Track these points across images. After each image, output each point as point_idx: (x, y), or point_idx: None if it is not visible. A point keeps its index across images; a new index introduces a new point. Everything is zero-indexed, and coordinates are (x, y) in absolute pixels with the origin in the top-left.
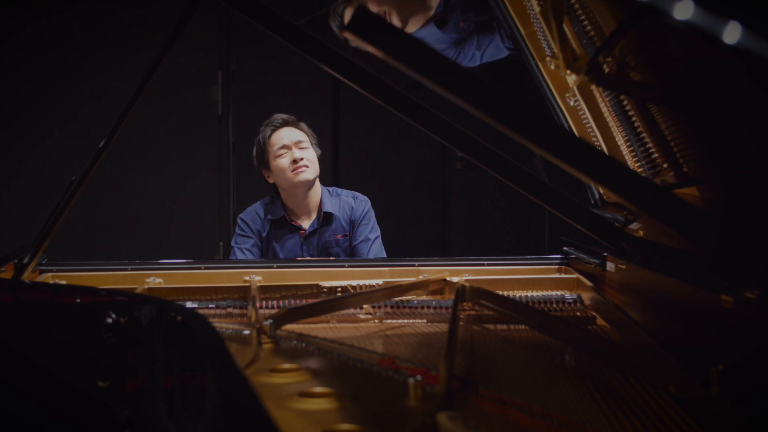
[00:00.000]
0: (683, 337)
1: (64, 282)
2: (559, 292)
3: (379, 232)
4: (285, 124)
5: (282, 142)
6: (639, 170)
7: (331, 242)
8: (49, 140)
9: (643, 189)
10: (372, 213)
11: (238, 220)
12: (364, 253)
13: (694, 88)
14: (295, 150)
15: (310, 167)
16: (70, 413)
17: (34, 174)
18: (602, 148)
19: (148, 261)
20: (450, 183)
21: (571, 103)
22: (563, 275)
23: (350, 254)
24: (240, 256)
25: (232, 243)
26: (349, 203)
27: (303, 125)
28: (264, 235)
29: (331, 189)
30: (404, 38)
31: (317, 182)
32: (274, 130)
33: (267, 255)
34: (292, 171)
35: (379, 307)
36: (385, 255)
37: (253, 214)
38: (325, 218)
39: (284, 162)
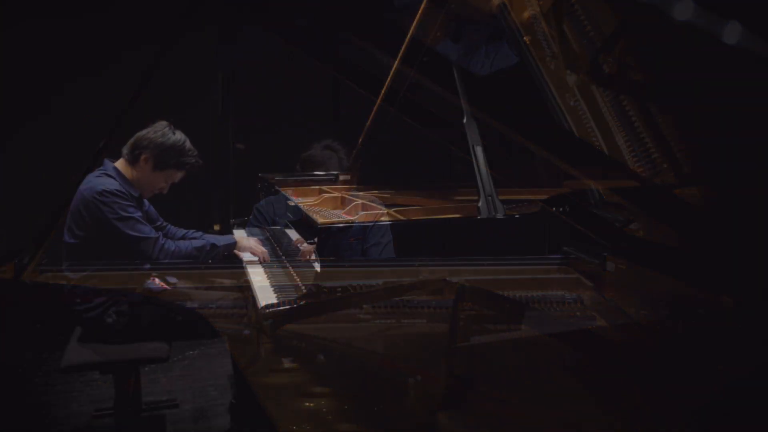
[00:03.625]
0: (683, 337)
1: (64, 282)
2: (559, 292)
3: (390, 237)
4: None
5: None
6: (639, 170)
7: (345, 245)
8: (50, 140)
9: (643, 189)
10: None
11: (253, 209)
12: (375, 257)
13: (693, 88)
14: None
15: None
16: (69, 412)
17: (34, 174)
18: (602, 148)
19: (148, 261)
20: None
21: (571, 103)
22: (563, 275)
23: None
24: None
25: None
26: None
27: None
28: (281, 227)
29: None
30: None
31: None
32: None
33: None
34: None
35: (379, 307)
36: None
37: (271, 205)
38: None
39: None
